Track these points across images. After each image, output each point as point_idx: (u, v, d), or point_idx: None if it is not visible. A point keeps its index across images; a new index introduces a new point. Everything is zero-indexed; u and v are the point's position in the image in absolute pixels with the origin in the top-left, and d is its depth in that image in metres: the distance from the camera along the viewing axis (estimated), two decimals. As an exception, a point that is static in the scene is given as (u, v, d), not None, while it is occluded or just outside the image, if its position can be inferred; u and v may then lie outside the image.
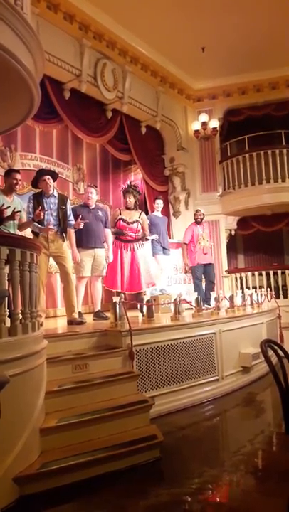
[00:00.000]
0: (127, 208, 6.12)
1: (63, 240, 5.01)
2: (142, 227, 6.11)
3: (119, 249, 5.92)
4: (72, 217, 5.12)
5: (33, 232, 4.97)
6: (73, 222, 5.12)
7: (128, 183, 6.42)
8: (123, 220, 5.99)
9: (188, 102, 9.60)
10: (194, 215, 7.49)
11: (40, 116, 6.41)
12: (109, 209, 8.02)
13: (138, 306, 5.93)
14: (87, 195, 5.73)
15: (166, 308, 6.30)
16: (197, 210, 7.51)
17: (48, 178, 4.97)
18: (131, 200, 6.08)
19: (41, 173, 5.09)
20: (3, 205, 4.38)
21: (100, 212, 5.73)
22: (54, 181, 5.10)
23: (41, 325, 3.96)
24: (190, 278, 7.93)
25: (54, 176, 5.13)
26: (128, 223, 5.98)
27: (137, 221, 6.02)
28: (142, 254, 6.10)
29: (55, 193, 5.06)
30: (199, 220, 7.41)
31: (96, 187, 6.10)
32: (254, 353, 5.40)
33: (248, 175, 8.94)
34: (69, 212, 5.10)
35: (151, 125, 8.87)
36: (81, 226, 5.13)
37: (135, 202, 6.18)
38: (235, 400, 4.84)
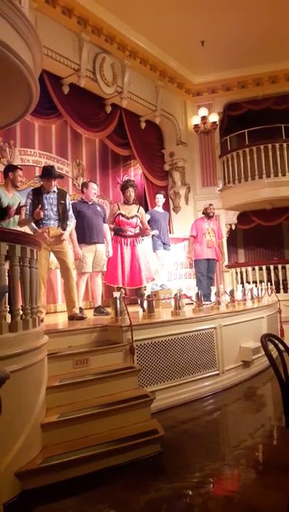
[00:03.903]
0: (126, 203, 6.07)
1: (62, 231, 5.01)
2: (141, 222, 6.09)
3: (119, 244, 5.90)
4: (71, 212, 5.12)
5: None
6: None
7: (125, 177, 6.39)
8: (122, 215, 5.95)
9: (187, 97, 9.56)
10: (206, 209, 7.45)
11: (39, 112, 6.39)
12: (109, 204, 8.02)
13: (138, 301, 5.94)
14: (90, 191, 5.72)
15: (166, 304, 6.32)
16: (210, 204, 7.51)
17: (55, 181, 4.99)
18: (131, 194, 6.04)
19: (52, 175, 4.96)
20: (8, 205, 4.41)
21: (98, 208, 5.75)
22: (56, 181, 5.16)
23: (42, 321, 3.97)
24: (190, 273, 7.93)
25: (59, 179, 5.20)
26: (127, 218, 5.96)
27: (136, 216, 5.99)
28: (142, 248, 6.08)
29: (55, 189, 5.06)
30: (211, 214, 7.40)
31: (95, 182, 6.09)
32: (254, 348, 5.41)
33: (248, 169, 8.90)
34: (68, 206, 5.09)
35: (150, 120, 8.85)
36: (41, 215, 4.79)
37: (134, 196, 6.16)
38: (235, 394, 4.86)
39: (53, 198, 4.96)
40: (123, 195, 6.10)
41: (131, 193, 6.00)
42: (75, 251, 5.35)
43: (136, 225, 5.98)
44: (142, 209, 6.18)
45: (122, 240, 5.91)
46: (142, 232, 6.18)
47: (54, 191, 5.01)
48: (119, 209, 5.97)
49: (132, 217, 5.95)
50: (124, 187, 6.02)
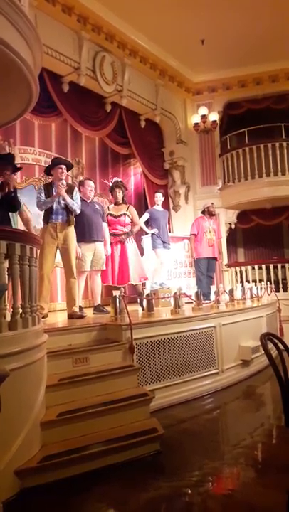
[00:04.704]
0: (116, 204, 6.16)
1: (69, 226, 5.03)
2: (132, 220, 6.11)
3: (110, 243, 5.96)
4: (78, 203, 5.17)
5: (43, 220, 4.99)
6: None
7: (113, 179, 6.44)
8: (111, 214, 6.05)
9: (187, 95, 9.54)
10: (208, 207, 7.45)
11: (39, 110, 6.38)
12: (109, 203, 8.01)
13: (138, 300, 5.94)
14: (87, 188, 5.73)
15: (166, 302, 6.31)
16: (212, 203, 7.53)
17: (65, 168, 5.08)
18: (119, 195, 6.12)
19: (58, 161, 5.18)
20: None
21: (97, 206, 5.77)
22: (67, 171, 5.20)
23: (44, 317, 3.97)
24: (190, 272, 7.93)
25: (69, 166, 5.25)
26: (115, 217, 6.02)
27: (124, 214, 6.04)
28: (133, 247, 6.11)
29: (64, 183, 5.10)
30: (214, 212, 7.42)
31: (91, 180, 6.11)
32: (254, 347, 5.41)
33: (248, 168, 8.89)
34: (76, 200, 5.13)
35: (150, 118, 8.84)
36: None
37: (123, 197, 6.20)
38: (235, 393, 4.86)
39: None
40: (112, 196, 6.18)
41: (118, 193, 6.11)
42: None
43: (124, 223, 6.03)
44: (131, 207, 6.24)
45: (112, 238, 5.97)
46: (131, 231, 6.17)
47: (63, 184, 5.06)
48: (108, 210, 6.08)
49: (120, 215, 6.02)
50: (112, 188, 6.14)
